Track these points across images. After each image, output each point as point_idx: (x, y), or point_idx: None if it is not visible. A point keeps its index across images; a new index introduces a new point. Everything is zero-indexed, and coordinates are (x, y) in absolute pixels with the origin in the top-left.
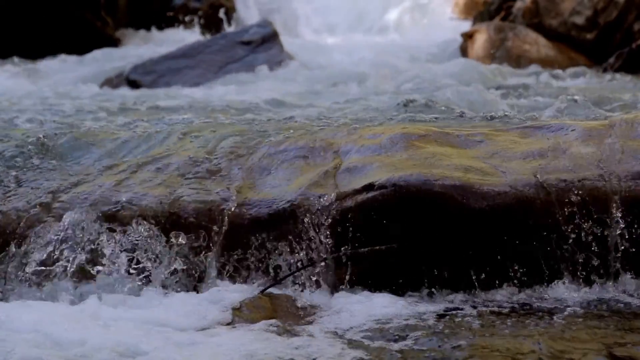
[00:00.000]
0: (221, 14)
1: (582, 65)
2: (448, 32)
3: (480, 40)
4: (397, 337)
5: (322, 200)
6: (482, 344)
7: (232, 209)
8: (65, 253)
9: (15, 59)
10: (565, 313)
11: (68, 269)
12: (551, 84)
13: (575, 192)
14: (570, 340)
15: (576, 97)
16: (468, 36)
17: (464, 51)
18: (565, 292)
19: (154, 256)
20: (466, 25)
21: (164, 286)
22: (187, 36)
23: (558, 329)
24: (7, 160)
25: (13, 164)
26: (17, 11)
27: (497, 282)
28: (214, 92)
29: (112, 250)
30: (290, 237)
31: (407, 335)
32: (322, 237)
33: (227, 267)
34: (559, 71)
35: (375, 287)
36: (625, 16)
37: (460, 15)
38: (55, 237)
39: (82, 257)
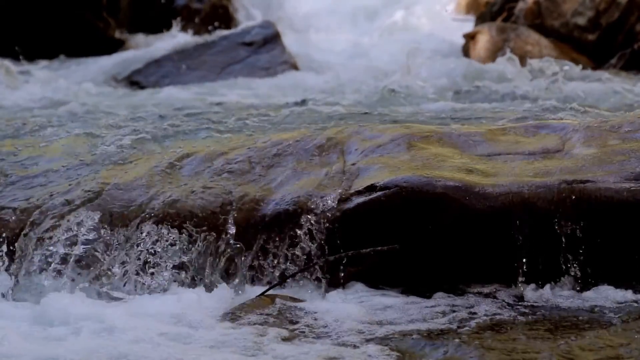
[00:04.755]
0: (223, 14)
1: (584, 66)
2: (450, 32)
3: (483, 41)
4: (398, 338)
5: (324, 200)
6: (484, 348)
7: (236, 208)
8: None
9: (15, 61)
10: (566, 316)
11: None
12: (552, 84)
13: (578, 193)
14: (579, 347)
15: (578, 98)
16: (470, 37)
17: (466, 52)
18: (571, 294)
19: (158, 255)
20: (468, 26)
21: (167, 285)
22: (189, 37)
23: (562, 333)
24: (14, 162)
25: (19, 165)
26: (17, 11)
27: (498, 283)
28: (216, 93)
29: (117, 250)
30: (292, 237)
31: (408, 337)
32: (324, 238)
33: (230, 267)
34: (560, 72)
35: (377, 287)
36: (627, 17)
37: (462, 15)
38: (67, 236)
39: (90, 254)
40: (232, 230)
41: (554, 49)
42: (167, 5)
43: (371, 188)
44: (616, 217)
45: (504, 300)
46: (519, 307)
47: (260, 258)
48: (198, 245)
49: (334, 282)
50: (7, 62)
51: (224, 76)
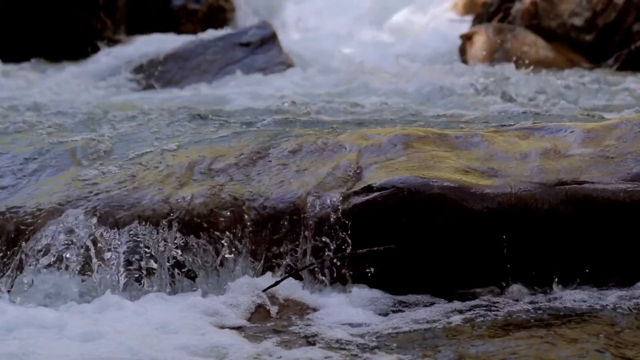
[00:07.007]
0: (220, 15)
1: (581, 67)
2: (447, 33)
3: (479, 42)
4: (395, 338)
5: (322, 201)
6: (483, 349)
7: (234, 209)
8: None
9: (12, 61)
10: (573, 318)
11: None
12: (550, 85)
13: (575, 194)
14: (574, 343)
15: (575, 99)
16: (467, 37)
17: (463, 52)
18: (572, 294)
19: (159, 256)
20: (465, 27)
21: (166, 285)
22: (186, 38)
23: (565, 335)
24: (12, 161)
25: (21, 167)
26: (14, 12)
27: (495, 283)
28: (214, 94)
29: (112, 249)
30: (289, 237)
31: (406, 337)
32: (321, 238)
33: (229, 266)
34: (557, 72)
35: (374, 288)
36: (624, 18)
37: (459, 15)
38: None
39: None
40: (231, 229)
41: (551, 49)
42: (164, 6)
43: (368, 189)
44: (613, 217)
45: (504, 301)
46: (519, 307)
47: (258, 257)
48: (198, 245)
49: (331, 282)
50: None
51: (221, 77)
